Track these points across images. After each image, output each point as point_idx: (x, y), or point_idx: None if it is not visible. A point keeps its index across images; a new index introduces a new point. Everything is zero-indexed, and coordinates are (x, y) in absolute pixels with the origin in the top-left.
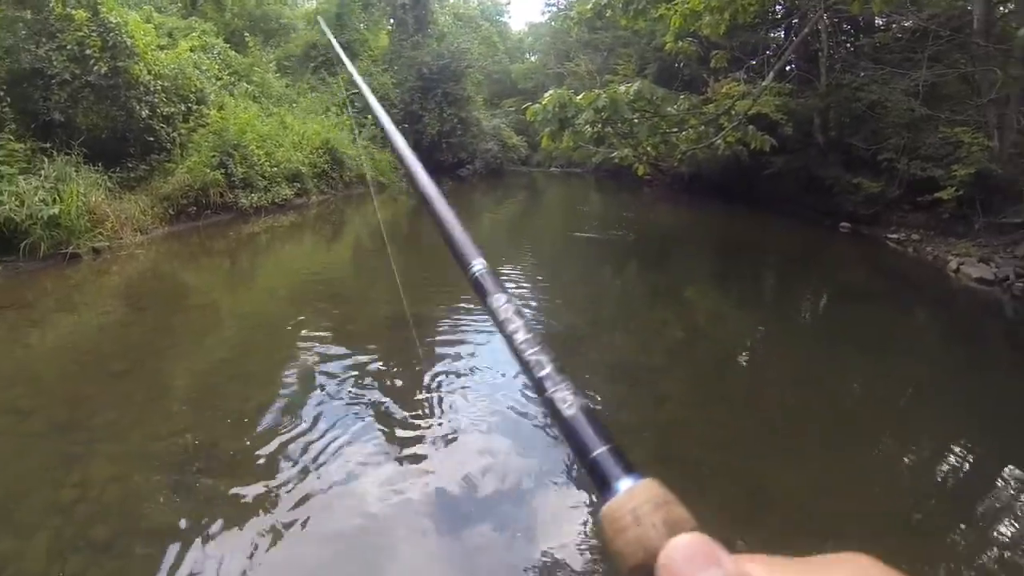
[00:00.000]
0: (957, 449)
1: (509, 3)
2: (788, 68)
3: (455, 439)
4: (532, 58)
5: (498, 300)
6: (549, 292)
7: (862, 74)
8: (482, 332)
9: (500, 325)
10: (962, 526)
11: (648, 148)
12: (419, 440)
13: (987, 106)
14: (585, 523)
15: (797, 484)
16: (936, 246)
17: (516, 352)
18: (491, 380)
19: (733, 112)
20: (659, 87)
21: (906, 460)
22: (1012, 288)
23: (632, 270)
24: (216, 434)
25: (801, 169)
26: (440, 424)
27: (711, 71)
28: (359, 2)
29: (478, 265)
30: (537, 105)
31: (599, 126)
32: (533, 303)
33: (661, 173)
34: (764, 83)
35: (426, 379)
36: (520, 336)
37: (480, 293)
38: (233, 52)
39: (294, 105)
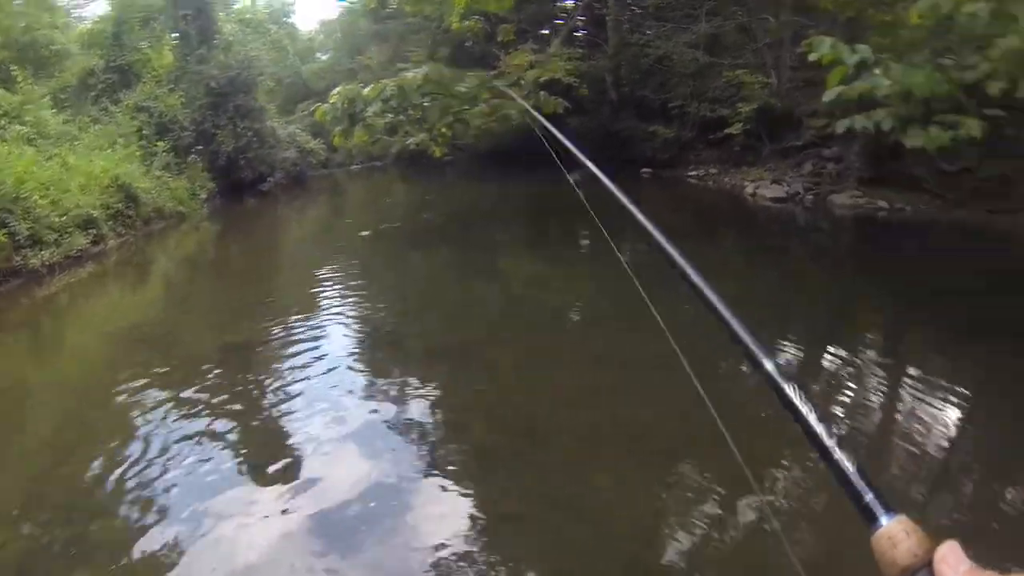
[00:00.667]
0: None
1: (293, 2)
2: (578, 33)
3: (315, 460)
4: (324, 57)
5: (791, 390)
6: (364, 288)
7: (648, 32)
8: (314, 349)
9: (797, 411)
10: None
11: (443, 129)
12: (280, 469)
13: (763, 49)
14: (458, 515)
15: (635, 423)
16: (732, 176)
17: (808, 427)
18: (335, 398)
19: (523, 82)
20: (451, 68)
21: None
22: (803, 201)
23: (443, 251)
24: (48, 528)
25: (598, 126)
26: (296, 448)
27: (501, 46)
28: (138, 18)
29: (770, 364)
30: (326, 104)
31: (391, 116)
32: (351, 300)
33: (461, 151)
34: (550, 50)
35: (271, 405)
36: (812, 417)
37: (775, 387)
38: (0, 90)
39: (76, 143)
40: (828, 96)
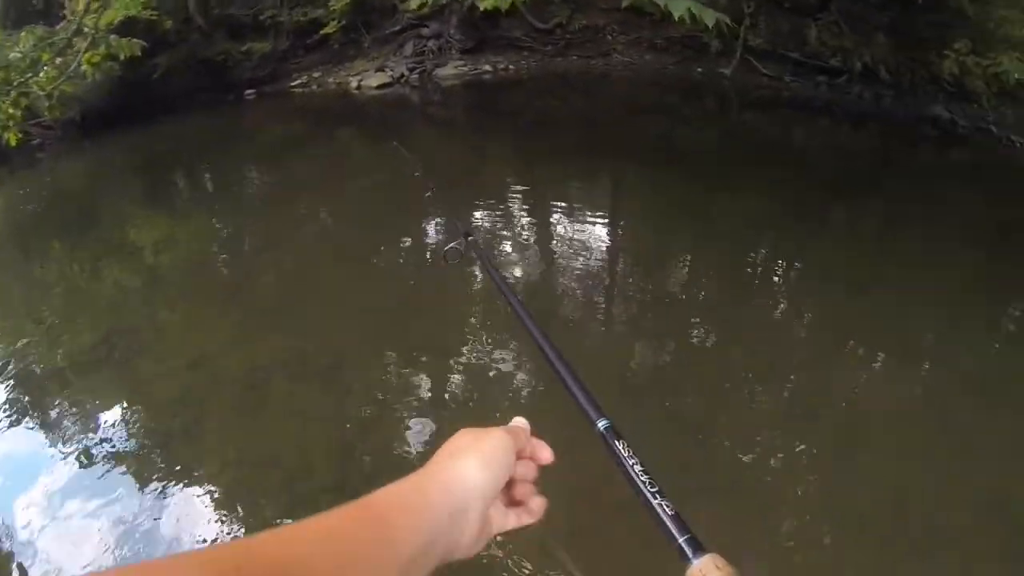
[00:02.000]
0: None
1: None
2: None
3: (34, 546)
4: None
5: (620, 447)
6: None
7: None
8: None
9: (624, 461)
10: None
11: (9, 110)
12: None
13: None
14: (196, 506)
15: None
16: (336, 75)
17: (634, 478)
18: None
19: (86, 30)
20: (2, 31)
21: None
22: (409, 81)
23: (61, 243)
24: None
25: (190, 57)
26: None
27: None
28: None
29: (603, 422)
30: None
31: None
32: None
33: (48, 129)
34: None
35: None
36: (638, 468)
37: (607, 442)
38: None
39: None
40: None
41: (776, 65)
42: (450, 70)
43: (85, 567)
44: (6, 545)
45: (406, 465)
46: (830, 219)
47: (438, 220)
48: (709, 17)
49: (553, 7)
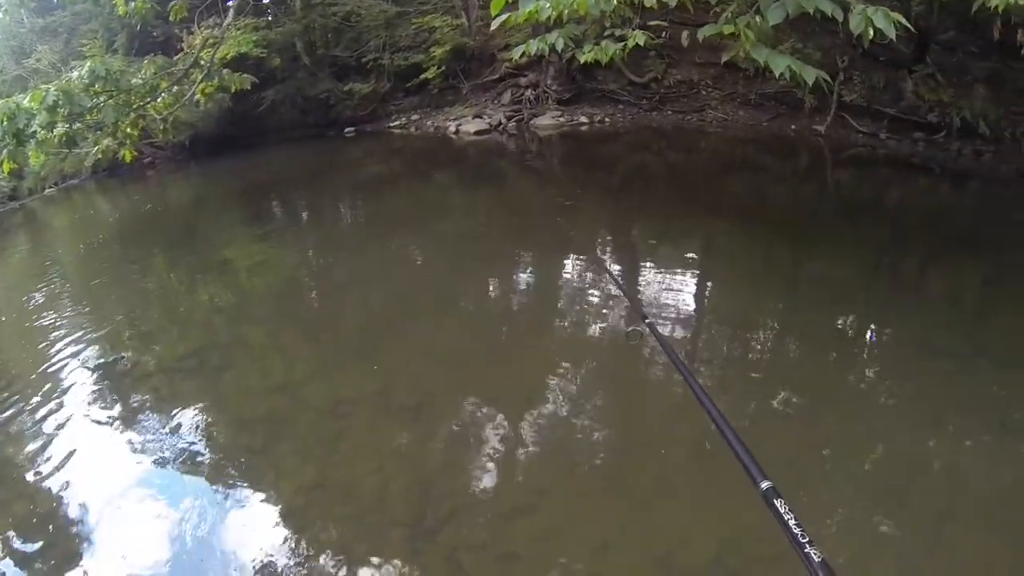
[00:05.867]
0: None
1: None
2: (265, 1)
3: (103, 530)
4: None
5: (781, 504)
6: (88, 321)
7: None
8: (48, 408)
9: (781, 516)
10: None
11: (127, 129)
12: (70, 555)
13: None
14: (263, 518)
15: (373, 377)
16: (434, 119)
17: (793, 536)
18: (91, 454)
19: (202, 63)
20: (128, 58)
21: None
22: (507, 129)
23: (159, 263)
24: None
25: (295, 93)
26: (77, 526)
27: (182, 25)
28: None
29: (766, 484)
30: None
31: (66, 126)
32: (77, 340)
33: (159, 149)
34: (225, 24)
35: (22, 488)
36: (797, 528)
37: (768, 501)
38: None
39: None
40: (494, 25)
41: (872, 121)
42: (547, 120)
43: (141, 562)
44: (68, 535)
45: (481, 508)
46: (927, 284)
47: (526, 268)
48: (809, 75)
49: (648, 61)
